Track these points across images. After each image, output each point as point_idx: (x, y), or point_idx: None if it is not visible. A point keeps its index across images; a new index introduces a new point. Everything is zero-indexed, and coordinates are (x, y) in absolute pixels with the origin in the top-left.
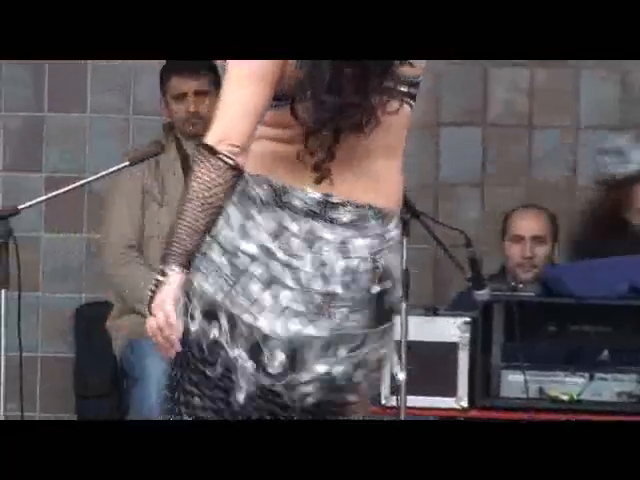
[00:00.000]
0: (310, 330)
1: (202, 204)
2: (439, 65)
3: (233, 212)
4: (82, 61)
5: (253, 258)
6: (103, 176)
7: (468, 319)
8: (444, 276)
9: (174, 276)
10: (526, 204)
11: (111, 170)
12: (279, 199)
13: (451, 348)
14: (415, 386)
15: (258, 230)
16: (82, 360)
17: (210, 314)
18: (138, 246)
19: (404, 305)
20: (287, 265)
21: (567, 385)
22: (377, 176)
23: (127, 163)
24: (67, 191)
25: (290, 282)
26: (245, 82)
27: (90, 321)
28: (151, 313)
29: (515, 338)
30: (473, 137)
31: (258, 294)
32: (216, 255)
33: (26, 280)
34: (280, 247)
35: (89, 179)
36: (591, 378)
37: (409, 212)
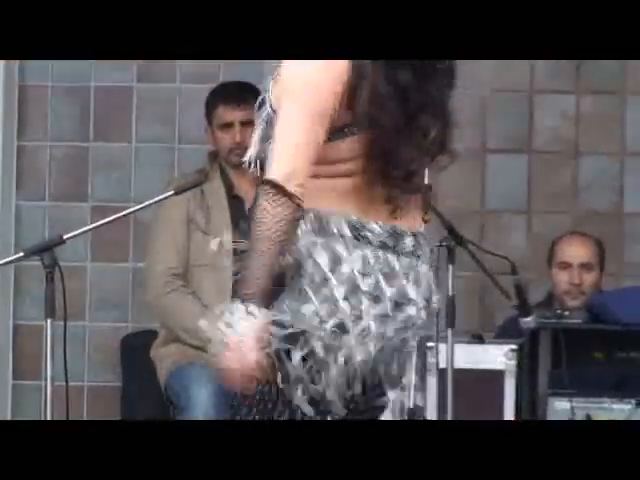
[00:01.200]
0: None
1: (275, 243)
2: (485, 92)
3: (319, 250)
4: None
5: (344, 294)
6: (148, 205)
7: (514, 346)
8: (490, 303)
9: (256, 315)
10: (573, 231)
11: (156, 199)
12: (357, 234)
13: (497, 375)
14: (462, 413)
15: (347, 266)
16: (128, 389)
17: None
18: (183, 275)
19: (450, 332)
20: (373, 298)
21: (614, 412)
22: (417, 203)
23: (172, 192)
24: (112, 220)
25: (376, 311)
26: (308, 120)
27: (136, 350)
28: (229, 348)
29: (562, 365)
30: (519, 164)
31: (350, 329)
32: (308, 294)
33: (72, 309)
34: (365, 281)
35: (134, 208)
36: (638, 405)
37: (455, 239)
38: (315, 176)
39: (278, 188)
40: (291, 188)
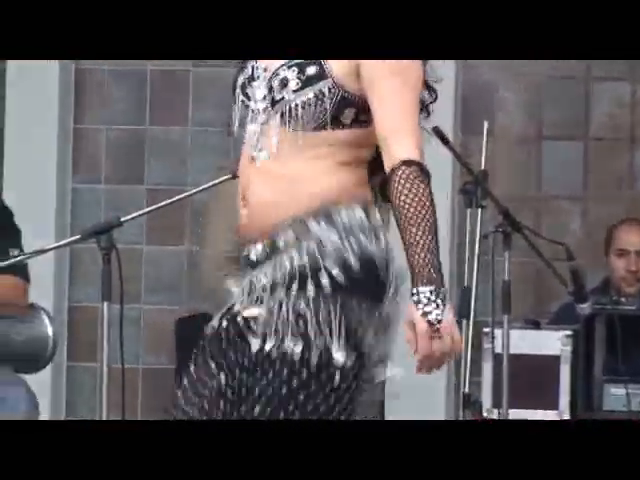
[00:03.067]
0: None
1: (435, 222)
2: (541, 79)
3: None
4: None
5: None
6: (204, 189)
7: (570, 332)
8: (546, 289)
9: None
10: (631, 218)
11: (212, 183)
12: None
13: (553, 361)
14: (517, 399)
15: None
16: (183, 372)
17: None
18: (238, 259)
19: (506, 318)
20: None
21: None
22: None
23: (229, 176)
24: (169, 204)
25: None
26: (418, 87)
27: (190, 332)
28: (436, 336)
29: (617, 351)
30: (575, 150)
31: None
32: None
33: (127, 292)
34: None
35: (190, 192)
36: None
37: (511, 225)
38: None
39: (422, 168)
40: (423, 164)
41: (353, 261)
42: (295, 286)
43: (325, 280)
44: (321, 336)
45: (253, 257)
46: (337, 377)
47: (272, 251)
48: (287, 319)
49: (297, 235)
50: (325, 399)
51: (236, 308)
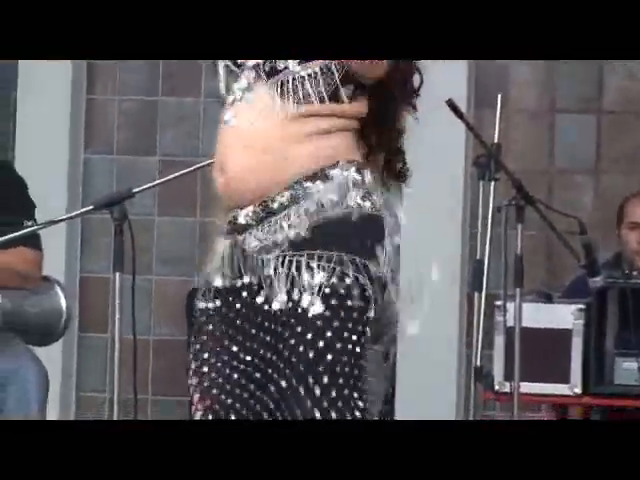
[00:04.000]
0: None
1: None
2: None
3: None
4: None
5: None
6: (209, 164)
7: (582, 306)
8: (558, 263)
9: None
10: None
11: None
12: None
13: (565, 335)
14: (529, 372)
15: None
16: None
17: None
18: None
19: (518, 291)
20: None
21: None
22: None
23: None
24: (181, 175)
25: None
26: None
27: None
28: None
29: (629, 325)
30: (588, 124)
31: None
32: None
33: (139, 264)
34: None
35: (203, 163)
36: None
37: (524, 198)
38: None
39: None
40: None
41: (351, 218)
42: (295, 246)
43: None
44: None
45: (242, 221)
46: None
47: (266, 214)
48: (299, 277)
49: (294, 197)
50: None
51: (224, 282)
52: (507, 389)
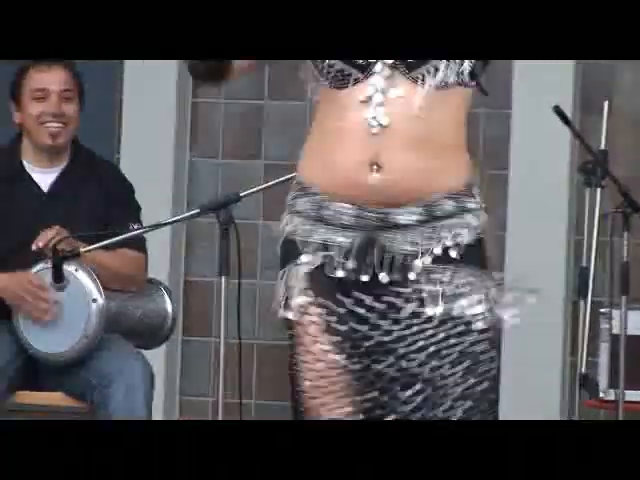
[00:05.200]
0: None
1: None
2: None
3: None
4: None
5: None
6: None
7: None
8: None
9: None
10: None
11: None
12: None
13: None
14: (634, 380)
15: None
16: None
17: None
18: None
19: (624, 299)
20: None
21: None
22: None
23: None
24: (287, 180)
25: None
26: None
27: None
28: None
29: None
30: None
31: None
32: None
33: (244, 267)
34: None
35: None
36: None
37: (631, 206)
38: None
39: None
40: None
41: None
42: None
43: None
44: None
45: (402, 221)
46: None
47: (428, 219)
48: (461, 285)
49: (457, 208)
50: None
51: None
52: (612, 397)
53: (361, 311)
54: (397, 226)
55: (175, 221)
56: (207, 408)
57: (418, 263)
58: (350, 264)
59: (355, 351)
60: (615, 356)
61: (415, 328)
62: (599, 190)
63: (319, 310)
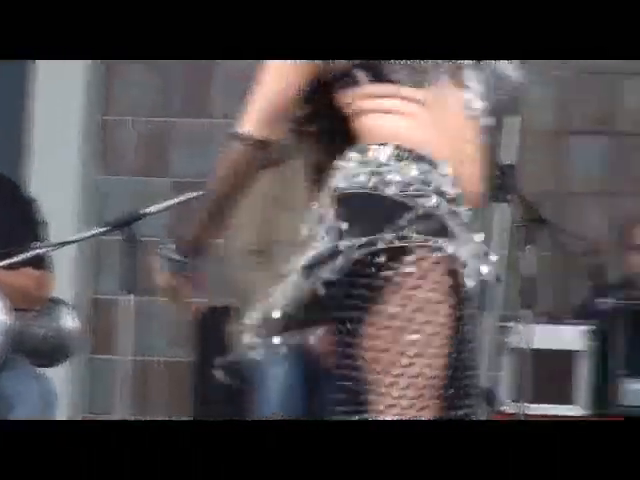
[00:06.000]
0: None
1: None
2: (570, 74)
3: None
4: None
5: None
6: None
7: (591, 327)
8: (568, 284)
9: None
10: None
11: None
12: None
13: (574, 356)
14: (537, 394)
15: None
16: (203, 365)
17: None
18: (261, 252)
19: (528, 312)
20: None
21: None
22: None
23: None
24: (192, 198)
25: None
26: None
27: (212, 325)
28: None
29: (637, 347)
30: (601, 146)
31: None
32: None
33: (148, 284)
34: None
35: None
36: None
37: (536, 220)
38: None
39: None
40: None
41: None
42: None
43: None
44: None
45: None
46: None
47: None
48: None
49: None
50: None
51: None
52: (514, 410)
53: None
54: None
55: (81, 239)
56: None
57: None
58: None
59: None
60: (518, 370)
61: None
62: (505, 204)
63: None
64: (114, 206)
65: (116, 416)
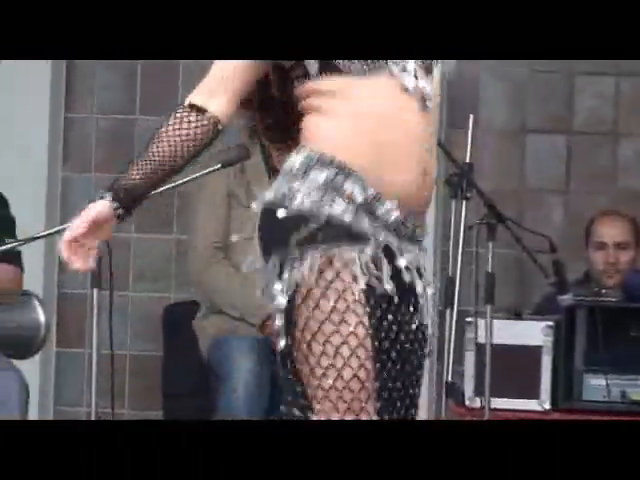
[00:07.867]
0: None
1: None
2: (526, 73)
3: None
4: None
5: None
6: (193, 179)
7: (552, 323)
8: (529, 280)
9: None
10: (607, 210)
11: (202, 173)
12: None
13: (535, 351)
14: (499, 388)
15: None
16: (170, 359)
17: None
18: (224, 248)
19: (489, 308)
20: None
21: None
22: None
23: (219, 166)
24: (156, 193)
25: None
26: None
27: (178, 320)
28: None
29: (598, 342)
30: (558, 144)
31: None
32: None
33: (116, 280)
34: None
35: (179, 182)
36: None
37: (495, 217)
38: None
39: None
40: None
41: None
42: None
43: None
44: None
45: (420, 237)
46: None
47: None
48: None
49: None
50: None
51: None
52: (477, 404)
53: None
54: (416, 240)
55: (48, 234)
56: (81, 418)
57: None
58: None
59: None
60: (480, 364)
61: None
62: (464, 202)
63: None
64: (80, 203)
65: (84, 408)
